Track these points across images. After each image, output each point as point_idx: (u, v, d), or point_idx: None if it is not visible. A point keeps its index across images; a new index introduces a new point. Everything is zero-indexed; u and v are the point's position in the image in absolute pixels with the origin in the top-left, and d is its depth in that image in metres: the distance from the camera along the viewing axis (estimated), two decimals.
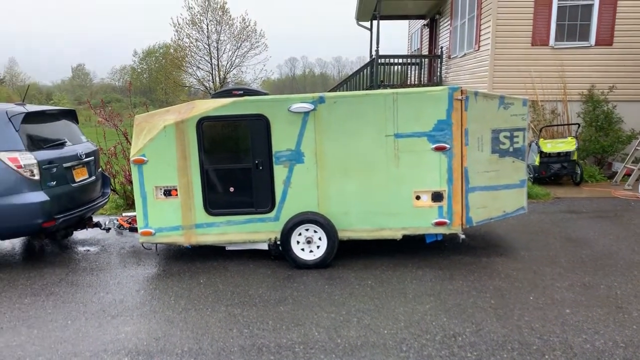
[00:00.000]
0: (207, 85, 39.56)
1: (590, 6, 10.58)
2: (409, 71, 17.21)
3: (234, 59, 38.84)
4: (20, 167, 5.45)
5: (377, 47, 16.08)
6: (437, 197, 5.39)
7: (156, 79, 52.32)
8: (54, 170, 5.81)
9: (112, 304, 4.62)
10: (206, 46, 38.20)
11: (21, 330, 4.13)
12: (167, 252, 6.13)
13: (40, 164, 5.60)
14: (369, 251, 5.81)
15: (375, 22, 19.26)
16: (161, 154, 5.42)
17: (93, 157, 6.73)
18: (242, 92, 5.93)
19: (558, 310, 4.21)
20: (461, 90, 5.22)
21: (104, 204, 6.91)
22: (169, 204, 5.52)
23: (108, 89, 62.91)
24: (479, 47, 11.78)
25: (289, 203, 5.45)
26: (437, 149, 5.29)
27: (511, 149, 5.52)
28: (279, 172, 5.43)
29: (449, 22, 14.93)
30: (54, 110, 6.47)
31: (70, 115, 6.81)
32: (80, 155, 6.33)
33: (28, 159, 5.53)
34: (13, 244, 6.68)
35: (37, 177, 5.57)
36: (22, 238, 6.81)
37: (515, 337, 3.78)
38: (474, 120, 5.28)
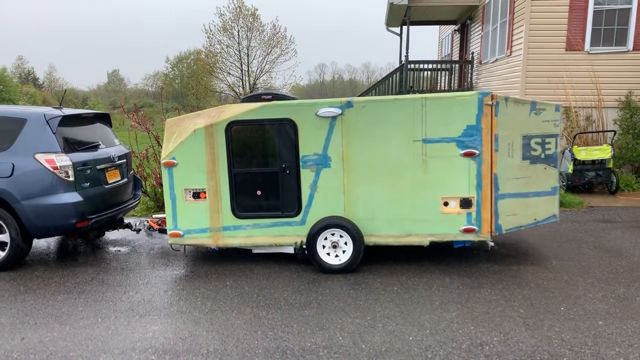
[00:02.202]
0: (237, 90, 40.09)
1: (627, 10, 10.29)
2: (438, 77, 17.06)
3: (264, 64, 39.25)
4: (56, 168, 5.62)
5: (407, 52, 16.00)
6: (465, 203, 5.31)
7: (188, 84, 53.34)
8: (88, 171, 5.98)
9: (141, 303, 4.71)
10: (237, 52, 38.74)
11: (54, 326, 4.25)
12: (195, 253, 6.22)
13: (75, 165, 5.77)
14: (394, 257, 5.77)
15: (404, 28, 19.32)
16: (191, 157, 5.52)
17: (125, 160, 6.90)
18: (270, 96, 6.00)
19: (590, 322, 4.08)
20: (491, 95, 5.14)
21: (135, 205, 7.06)
22: (198, 207, 5.60)
23: (141, 94, 64.49)
24: (510, 52, 11.59)
25: (315, 207, 5.46)
26: (466, 154, 5.22)
27: (543, 156, 5.40)
28: (306, 176, 5.45)
29: (480, 27, 14.75)
30: (89, 113, 6.66)
31: (104, 118, 6.99)
32: (113, 158, 6.49)
33: (64, 160, 5.70)
34: (48, 243, 6.89)
35: (71, 179, 5.74)
36: (56, 238, 7.02)
37: (545, 347, 3.68)
38: (504, 126, 5.19)
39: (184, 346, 3.85)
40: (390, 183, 5.37)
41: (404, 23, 18.77)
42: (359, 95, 19.38)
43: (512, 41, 11.51)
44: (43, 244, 6.87)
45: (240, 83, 39.43)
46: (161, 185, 8.83)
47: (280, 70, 47.97)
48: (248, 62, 39.18)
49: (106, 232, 6.85)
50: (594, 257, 5.73)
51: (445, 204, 5.34)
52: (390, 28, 19.79)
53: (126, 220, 6.86)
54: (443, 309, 4.38)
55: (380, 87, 19.05)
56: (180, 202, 5.62)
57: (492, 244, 5.40)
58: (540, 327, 4.01)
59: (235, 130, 5.46)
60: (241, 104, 5.58)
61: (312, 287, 5.00)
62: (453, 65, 17.65)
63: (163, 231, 6.31)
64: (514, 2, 11.35)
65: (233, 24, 37.65)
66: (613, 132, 9.64)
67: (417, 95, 5.28)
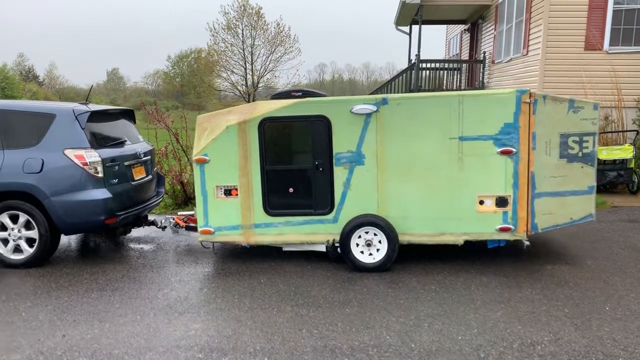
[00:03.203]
0: (241, 89, 40.00)
1: None
2: (447, 76, 16.96)
3: (267, 63, 39.20)
4: (85, 164, 5.56)
5: (419, 51, 15.94)
6: (501, 202, 5.26)
7: (189, 82, 53.30)
8: (116, 168, 5.92)
9: (178, 300, 4.65)
10: (241, 51, 38.67)
11: (93, 323, 4.19)
12: (223, 251, 6.16)
13: (104, 161, 5.71)
14: (427, 256, 5.72)
15: (415, 27, 19.27)
16: (223, 153, 5.46)
17: (150, 157, 6.84)
18: (301, 93, 5.94)
19: (639, 322, 4.03)
20: (529, 93, 5.09)
21: (159, 202, 7.01)
22: (229, 204, 5.54)
23: (141, 93, 64.39)
24: (527, 51, 11.55)
25: (348, 205, 5.41)
26: (503, 152, 5.17)
27: (580, 154, 5.35)
28: (339, 174, 5.40)
29: (493, 26, 14.70)
30: (115, 109, 6.60)
31: (128, 115, 6.94)
32: (139, 154, 6.43)
33: (93, 156, 5.64)
34: (70, 240, 6.83)
35: (100, 175, 5.68)
36: (78, 235, 6.96)
37: (598, 347, 3.64)
38: (542, 124, 5.14)
39: (229, 344, 3.80)
40: (425, 181, 5.31)
41: (413, 22, 18.75)
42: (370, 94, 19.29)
43: (528, 40, 11.47)
44: (65, 241, 6.81)
45: (244, 81, 39.37)
46: (180, 182, 8.79)
47: (284, 69, 47.85)
48: (252, 60, 39.12)
49: (132, 230, 6.78)
50: (627, 257, 5.69)
51: (481, 202, 5.29)
52: (399, 27, 19.75)
53: (151, 218, 6.79)
54: (486, 309, 4.33)
55: (389, 86, 19.01)
56: (212, 198, 5.56)
57: (527, 243, 5.34)
58: (589, 327, 3.96)
59: (268, 127, 5.41)
60: (274, 101, 5.53)
61: (349, 285, 4.95)
62: (462, 65, 17.63)
63: (190, 228, 6.25)
64: (531, 1, 11.30)
65: (237, 23, 37.62)
66: (636, 132, 9.60)
67: (454, 93, 5.23)
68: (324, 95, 5.90)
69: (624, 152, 8.84)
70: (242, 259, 5.85)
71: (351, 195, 5.40)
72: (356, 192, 5.39)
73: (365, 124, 5.30)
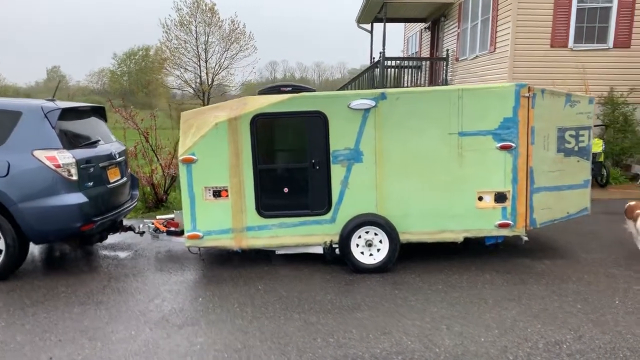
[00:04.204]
0: (195, 87, 39.01)
1: (608, 9, 10.61)
2: (409, 74, 16.95)
3: (222, 60, 38.35)
4: (58, 166, 5.07)
5: (383, 49, 15.93)
6: (500, 197, 5.20)
7: (137, 81, 51.50)
8: (91, 170, 5.45)
9: (173, 312, 4.29)
10: (195, 48, 37.66)
11: (82, 342, 3.78)
12: (209, 256, 5.80)
13: (78, 163, 5.24)
14: (423, 254, 5.57)
15: (376, 25, 19.29)
16: (212, 152, 5.12)
17: (124, 157, 6.38)
18: (290, 88, 5.70)
19: None
20: (528, 87, 5.05)
21: (134, 206, 6.55)
22: (219, 206, 5.21)
23: (86, 91, 61.60)
24: (494, 48, 11.72)
25: (346, 204, 5.20)
26: (503, 147, 5.10)
27: (576, 148, 5.37)
28: (337, 172, 5.17)
29: (456, 24, 14.86)
30: (85, 106, 6.10)
31: (98, 112, 6.43)
32: (114, 155, 5.98)
33: (66, 158, 5.16)
34: (32, 249, 6.24)
35: (75, 178, 5.20)
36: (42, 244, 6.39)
37: (622, 344, 3.59)
38: (540, 118, 5.11)
39: (240, 359, 3.50)
40: (424, 178, 5.18)
41: (375, 20, 18.77)
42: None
43: (496, 38, 11.63)
44: (31, 249, 6.23)
45: (199, 79, 38.37)
46: (151, 184, 8.32)
47: (240, 67, 46.84)
48: (206, 57, 38.17)
49: (108, 236, 6.29)
50: (618, 249, 5.76)
51: (480, 198, 5.21)
52: (361, 25, 19.71)
53: (126, 223, 6.33)
54: (500, 307, 4.23)
55: (352, 85, 18.94)
56: (200, 201, 5.21)
57: (526, 238, 5.31)
58: (606, 322, 3.93)
59: (262, 124, 5.11)
60: (267, 96, 5.24)
61: (353, 288, 4.73)
62: (422, 63, 17.81)
63: (172, 233, 5.85)
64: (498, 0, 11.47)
65: (191, 19, 36.58)
66: (604, 126, 9.90)
67: (454, 87, 5.12)
68: (313, 91, 5.67)
69: (595, 146, 9.07)
70: (231, 264, 5.52)
71: (349, 194, 5.19)
72: (354, 191, 5.19)
73: (363, 120, 5.09)
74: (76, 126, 5.70)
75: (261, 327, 3.97)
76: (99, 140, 5.90)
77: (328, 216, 5.23)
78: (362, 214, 5.15)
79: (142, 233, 6.12)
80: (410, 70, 17.04)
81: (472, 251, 5.67)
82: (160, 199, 8.34)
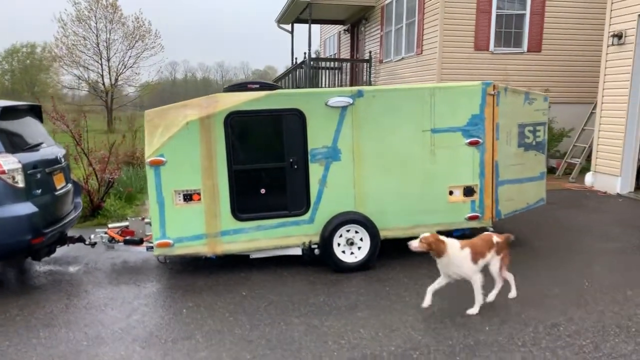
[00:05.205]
0: (96, 86, 36.52)
1: (522, 15, 11.51)
2: (330, 75, 17.09)
3: (126, 59, 36.25)
4: (2, 172, 4.47)
5: (309, 49, 15.99)
6: (468, 191, 5.41)
7: (21, 80, 47.20)
8: (38, 176, 4.87)
9: (160, 327, 3.94)
10: (95, 45, 35.23)
11: None
12: (175, 265, 5.42)
13: (25, 168, 4.65)
14: (392, 250, 5.61)
15: (297, 26, 19.33)
16: (183, 153, 4.79)
17: (67, 162, 5.78)
18: (258, 85, 5.48)
19: (621, 294, 4.42)
20: (493, 85, 5.31)
21: (79, 215, 5.94)
22: (191, 210, 4.89)
23: None
24: (421, 51, 12.22)
25: (324, 204, 5.12)
26: (471, 143, 5.32)
27: (534, 143, 5.74)
28: (315, 171, 5.08)
29: (379, 27, 15.31)
30: (24, 105, 5.44)
31: (34, 112, 5.76)
32: (59, 159, 5.40)
33: (11, 162, 4.57)
34: None
35: (21, 185, 4.62)
36: None
37: (608, 321, 3.89)
38: (503, 115, 5.39)
39: None
40: (400, 174, 5.25)
41: (296, 21, 18.79)
42: None
43: (422, 41, 12.14)
44: None
45: (101, 78, 35.92)
46: (87, 191, 7.61)
47: (146, 66, 44.39)
48: (108, 56, 35.86)
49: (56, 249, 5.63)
50: (567, 236, 6.24)
51: (451, 192, 5.39)
52: (281, 25, 19.64)
53: (72, 234, 5.72)
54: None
55: (280, 84, 18.76)
56: (170, 206, 4.85)
57: (491, 229, 5.56)
58: (585, 304, 4.23)
59: (236, 122, 4.87)
60: (240, 93, 4.99)
61: (342, 288, 4.67)
62: (342, 65, 18.18)
63: (130, 242, 5.39)
64: (424, 4, 11.97)
65: (90, 14, 34.16)
66: None
67: (427, 85, 5.24)
68: (280, 88, 5.53)
69: None
70: (201, 272, 5.19)
71: (327, 193, 5.12)
72: (333, 190, 5.12)
73: (341, 118, 5.05)
74: (16, 127, 5.06)
75: (264, 334, 3.77)
76: (42, 143, 5.29)
77: (306, 216, 5.11)
78: (342, 212, 5.10)
79: (93, 244, 5.58)
80: (329, 71, 17.24)
81: None
82: (97, 206, 7.65)
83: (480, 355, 3.43)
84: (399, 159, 5.22)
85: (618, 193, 8.52)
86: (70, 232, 5.71)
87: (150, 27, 35.46)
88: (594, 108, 10.35)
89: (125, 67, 36.26)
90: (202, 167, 4.86)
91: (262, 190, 5.03)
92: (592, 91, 10.88)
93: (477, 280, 4.02)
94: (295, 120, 4.97)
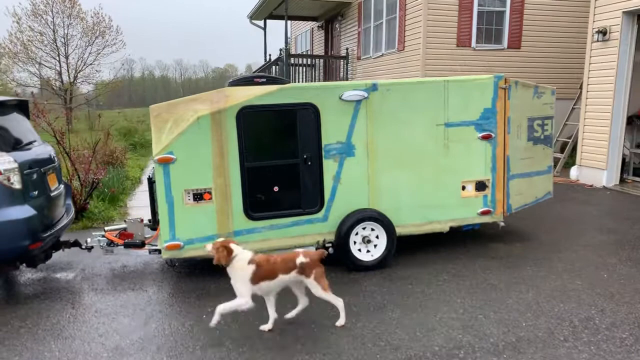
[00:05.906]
0: (54, 84, 35.03)
1: (502, 13, 11.65)
2: (305, 72, 16.90)
3: (86, 56, 34.88)
4: None
5: (286, 46, 15.75)
6: (480, 186, 5.36)
7: None
8: (34, 176, 4.52)
9: (184, 335, 3.69)
10: (52, 41, 33.75)
11: None
12: (181, 267, 5.15)
13: (21, 168, 4.30)
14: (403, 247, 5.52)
15: (269, 22, 19.05)
16: (194, 150, 4.54)
17: (58, 161, 5.41)
18: (265, 79, 5.28)
19: None
20: (505, 79, 5.27)
21: (72, 218, 5.56)
22: (201, 210, 4.64)
23: None
24: (403, 47, 12.21)
25: (338, 201, 4.96)
26: (484, 137, 5.27)
27: (542, 137, 5.75)
28: (329, 167, 4.91)
29: (356, 24, 15.23)
30: (12, 100, 5.04)
31: (21, 108, 5.35)
32: (53, 158, 5.03)
33: (7, 162, 4.21)
34: None
35: (18, 186, 4.27)
36: None
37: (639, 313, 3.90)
38: (514, 109, 5.37)
39: None
40: (414, 170, 5.15)
41: (269, 17, 18.52)
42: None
43: (404, 37, 12.12)
44: None
45: (59, 76, 34.44)
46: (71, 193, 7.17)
47: (107, 63, 42.70)
48: (66, 52, 34.42)
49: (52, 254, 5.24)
50: (570, 228, 6.30)
51: (463, 188, 5.33)
52: (254, 21, 19.31)
53: (65, 238, 5.34)
54: (514, 290, 4.35)
55: None
56: (179, 206, 4.59)
57: (503, 224, 5.55)
58: (611, 296, 4.23)
59: (249, 117, 4.65)
60: (251, 87, 4.77)
61: (364, 287, 4.53)
62: (317, 61, 18.00)
63: (130, 245, 5.09)
64: (405, 0, 11.95)
65: (47, 9, 32.68)
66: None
67: (440, 78, 5.15)
68: (287, 82, 5.33)
69: None
70: (210, 274, 4.90)
71: (341, 189, 4.96)
72: (346, 186, 4.97)
73: (355, 112, 4.90)
74: (6, 124, 4.67)
75: (298, 339, 3.59)
76: (34, 141, 4.92)
77: (320, 214, 4.94)
78: (358, 209, 4.95)
79: (90, 248, 5.23)
80: (303, 68, 17.01)
81: (444, 240, 5.69)
82: (81, 208, 7.23)
83: (526, 352, 3.36)
84: (413, 153, 5.11)
85: (604, 186, 8.72)
86: (63, 237, 5.34)
87: (111, 23, 34.24)
88: (575, 103, 10.60)
89: (85, 64, 34.93)
90: (214, 165, 4.61)
91: (275, 188, 4.82)
92: (572, 87, 11.14)
93: (241, 304, 3.55)
94: (309, 115, 4.79)
